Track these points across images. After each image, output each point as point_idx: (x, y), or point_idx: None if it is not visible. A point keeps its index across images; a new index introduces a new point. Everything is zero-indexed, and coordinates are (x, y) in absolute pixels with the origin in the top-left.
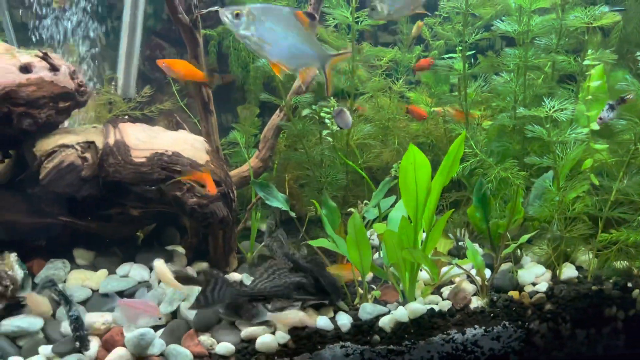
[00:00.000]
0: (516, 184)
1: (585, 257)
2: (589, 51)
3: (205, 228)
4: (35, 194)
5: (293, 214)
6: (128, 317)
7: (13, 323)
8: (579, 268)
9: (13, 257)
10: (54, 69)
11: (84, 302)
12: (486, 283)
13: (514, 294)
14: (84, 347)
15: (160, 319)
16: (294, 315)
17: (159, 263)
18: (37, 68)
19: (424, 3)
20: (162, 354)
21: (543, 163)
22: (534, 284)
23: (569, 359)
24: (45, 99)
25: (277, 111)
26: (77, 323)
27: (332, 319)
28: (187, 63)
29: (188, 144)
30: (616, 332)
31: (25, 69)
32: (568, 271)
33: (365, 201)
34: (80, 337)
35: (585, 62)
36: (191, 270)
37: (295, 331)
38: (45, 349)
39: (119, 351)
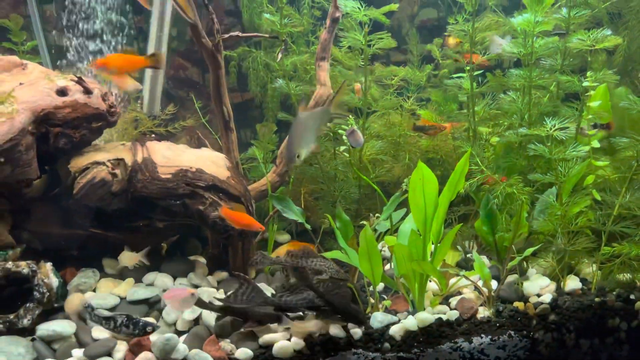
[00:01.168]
0: (521, 200)
1: (590, 270)
2: (589, 73)
3: (225, 240)
4: (68, 207)
5: (308, 226)
6: (174, 307)
7: (49, 327)
8: (583, 280)
9: (49, 266)
10: (87, 92)
11: (112, 309)
12: (493, 294)
13: (519, 304)
14: (150, 327)
15: (193, 295)
16: (312, 324)
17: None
18: (72, 91)
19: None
20: (185, 358)
21: (546, 180)
22: (538, 295)
23: None
24: (80, 120)
25: None
26: (131, 321)
27: (345, 327)
28: (121, 54)
29: (210, 161)
30: (619, 342)
31: (62, 92)
32: (572, 283)
33: (377, 214)
34: (143, 324)
35: (585, 84)
36: (212, 279)
37: (310, 338)
38: (78, 352)
39: (145, 355)
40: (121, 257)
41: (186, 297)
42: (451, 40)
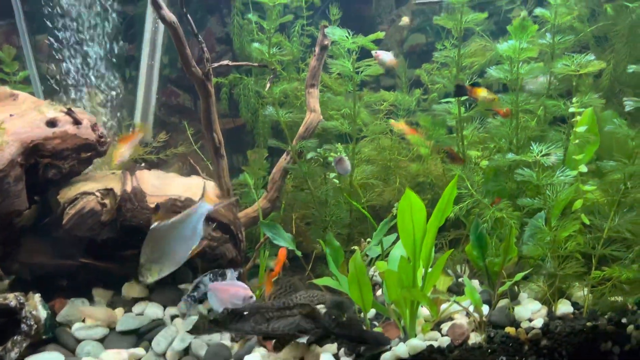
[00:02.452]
0: (510, 224)
1: (581, 293)
2: (574, 98)
3: (215, 268)
4: (58, 237)
5: (299, 253)
6: (221, 300)
7: None
8: (574, 304)
9: (37, 297)
10: (77, 122)
11: (101, 340)
12: (484, 319)
13: (510, 329)
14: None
15: (251, 297)
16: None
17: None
18: (62, 122)
19: None
20: None
21: (534, 205)
22: (530, 320)
23: None
24: (69, 151)
25: (284, 154)
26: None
27: (336, 355)
28: None
29: (199, 189)
30: None
31: (52, 123)
32: (563, 307)
33: (368, 239)
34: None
35: (571, 110)
36: (202, 308)
37: None
38: None
39: None
40: (126, 287)
41: (238, 296)
42: (479, 92)
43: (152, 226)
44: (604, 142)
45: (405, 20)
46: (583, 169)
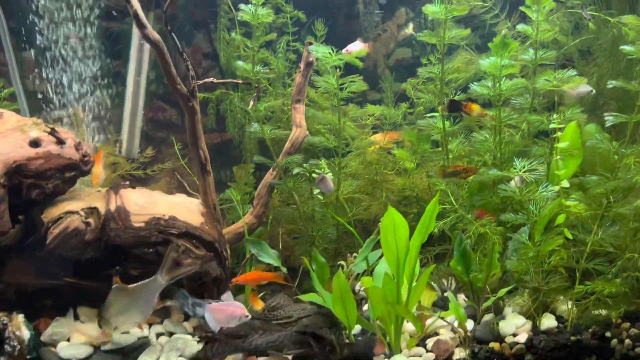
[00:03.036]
0: (493, 240)
1: (565, 307)
2: (555, 115)
3: (200, 287)
4: (42, 256)
5: (284, 269)
6: (218, 320)
7: None
8: (559, 318)
9: (20, 317)
10: (60, 142)
11: (86, 359)
12: (469, 334)
13: (495, 345)
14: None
15: (247, 316)
16: None
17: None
18: (45, 142)
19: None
20: None
21: (518, 221)
22: (514, 335)
23: None
24: (52, 171)
25: (271, 170)
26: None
27: None
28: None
29: (184, 207)
30: None
31: (35, 143)
32: (548, 321)
33: (354, 254)
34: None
35: (552, 126)
36: (188, 326)
37: None
38: None
39: None
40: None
41: (235, 317)
42: (474, 108)
43: (114, 287)
44: (587, 155)
45: (410, 29)
46: (565, 184)
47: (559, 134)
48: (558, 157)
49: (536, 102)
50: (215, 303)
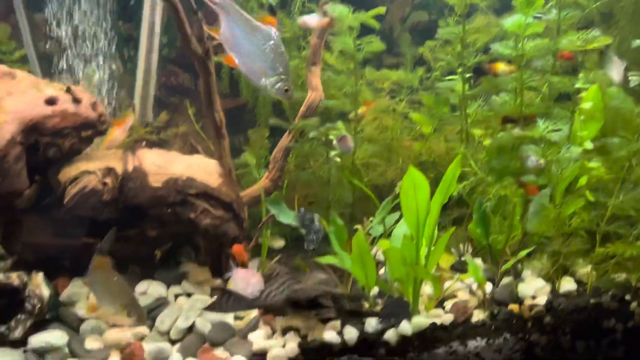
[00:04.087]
0: (514, 202)
1: (585, 271)
2: (580, 74)
3: (218, 247)
4: (60, 217)
5: (303, 231)
6: (242, 288)
7: (41, 339)
8: (578, 281)
9: (40, 277)
10: (76, 101)
11: None
12: (487, 297)
13: (514, 307)
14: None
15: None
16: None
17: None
18: (61, 101)
19: None
20: None
21: (539, 182)
22: (533, 297)
23: None
24: (69, 129)
25: (286, 134)
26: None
27: (339, 333)
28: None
29: (201, 168)
30: (615, 343)
31: (51, 101)
32: (567, 284)
33: (370, 218)
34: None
35: (576, 85)
36: (206, 287)
37: (304, 344)
38: None
39: None
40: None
41: (254, 286)
42: (500, 66)
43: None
44: (609, 119)
45: None
46: (588, 145)
47: (583, 94)
48: (581, 118)
49: (558, 64)
50: (242, 270)
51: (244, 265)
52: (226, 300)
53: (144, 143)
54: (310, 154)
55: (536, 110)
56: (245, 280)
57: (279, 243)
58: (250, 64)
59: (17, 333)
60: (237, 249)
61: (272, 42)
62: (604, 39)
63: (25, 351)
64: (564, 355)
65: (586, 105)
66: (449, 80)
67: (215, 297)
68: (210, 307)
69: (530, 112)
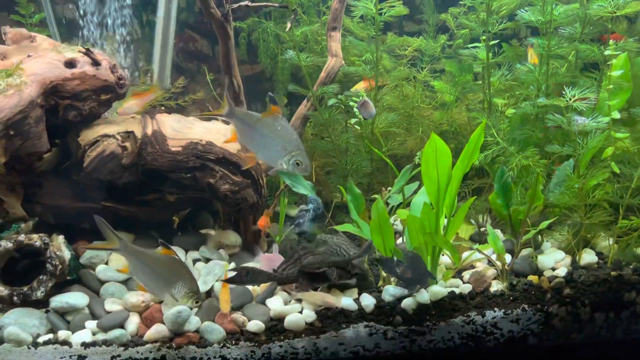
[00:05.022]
0: (537, 172)
1: (606, 243)
2: (611, 41)
3: (236, 213)
4: (79, 180)
5: (319, 200)
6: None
7: (62, 299)
8: (599, 254)
9: (60, 239)
10: (95, 63)
11: (124, 282)
12: (506, 267)
13: (533, 278)
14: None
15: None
16: (319, 296)
17: None
18: (80, 63)
19: None
20: (197, 331)
21: (563, 152)
22: (553, 269)
23: (587, 341)
24: (88, 92)
25: (304, 101)
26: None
27: (357, 300)
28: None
29: (220, 134)
30: (635, 316)
31: (70, 64)
32: (588, 257)
33: (389, 187)
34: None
35: (607, 52)
36: (223, 253)
37: (322, 310)
38: (91, 324)
39: (158, 327)
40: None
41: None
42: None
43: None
44: (637, 89)
45: None
46: (616, 115)
47: (612, 61)
48: (610, 86)
49: (586, 31)
50: (268, 254)
51: (268, 237)
52: (244, 274)
53: (162, 108)
54: (328, 122)
55: (561, 79)
56: (272, 263)
57: (296, 211)
58: (266, 153)
59: (39, 293)
60: (263, 223)
61: (279, 128)
62: (636, 4)
63: (47, 311)
64: (582, 326)
65: (615, 73)
66: (473, 47)
67: (233, 267)
68: (230, 280)
69: (555, 80)
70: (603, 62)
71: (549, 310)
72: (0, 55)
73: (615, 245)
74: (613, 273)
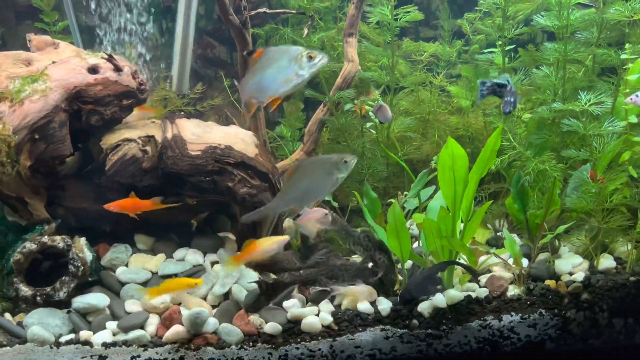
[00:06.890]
0: (553, 177)
1: (624, 249)
2: (627, 45)
3: None
4: (101, 183)
5: (335, 204)
6: (308, 230)
7: (84, 300)
8: (617, 259)
9: (82, 241)
10: (118, 69)
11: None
12: (523, 272)
13: (550, 282)
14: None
15: (326, 215)
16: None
17: None
18: (103, 69)
19: None
20: (215, 332)
21: (580, 156)
22: (570, 274)
23: (605, 347)
24: (111, 97)
25: (321, 106)
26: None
27: (373, 304)
28: None
29: (239, 138)
30: None
31: (93, 70)
32: (606, 262)
33: (405, 192)
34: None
35: (623, 56)
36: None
37: (338, 314)
38: (112, 325)
39: (176, 328)
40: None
41: (322, 216)
42: None
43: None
44: None
45: None
46: (633, 119)
47: (629, 65)
48: (626, 90)
49: (603, 36)
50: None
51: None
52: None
53: (182, 113)
54: (344, 127)
55: (578, 83)
56: (310, 220)
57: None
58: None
59: (62, 294)
60: None
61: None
62: None
63: (69, 312)
64: (600, 332)
65: (632, 76)
66: (489, 52)
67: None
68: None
69: (572, 85)
70: (620, 66)
71: (566, 315)
72: (25, 61)
73: (634, 250)
74: (632, 278)
